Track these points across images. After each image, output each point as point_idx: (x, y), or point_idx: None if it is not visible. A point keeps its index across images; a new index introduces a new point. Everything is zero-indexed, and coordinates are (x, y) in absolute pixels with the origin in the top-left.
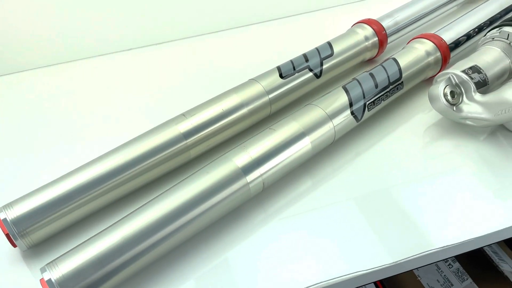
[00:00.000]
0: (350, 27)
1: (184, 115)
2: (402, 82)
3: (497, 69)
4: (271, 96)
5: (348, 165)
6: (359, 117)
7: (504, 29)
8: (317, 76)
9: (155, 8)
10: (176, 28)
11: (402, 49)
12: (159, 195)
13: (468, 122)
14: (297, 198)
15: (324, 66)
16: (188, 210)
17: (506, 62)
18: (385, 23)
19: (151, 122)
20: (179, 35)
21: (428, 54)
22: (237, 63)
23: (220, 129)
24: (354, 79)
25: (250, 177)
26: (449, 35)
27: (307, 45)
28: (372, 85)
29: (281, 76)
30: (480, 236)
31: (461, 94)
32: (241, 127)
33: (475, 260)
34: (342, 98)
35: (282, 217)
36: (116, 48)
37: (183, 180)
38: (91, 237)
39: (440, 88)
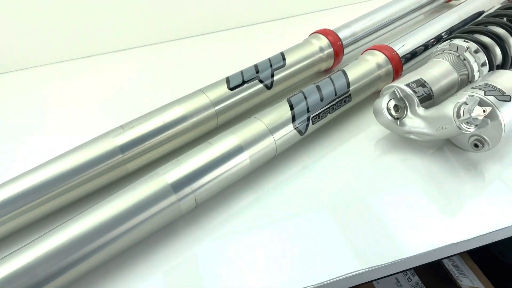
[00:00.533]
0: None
1: (122, 127)
2: (350, 95)
3: (444, 82)
4: (217, 108)
5: (294, 178)
6: (303, 131)
7: (454, 42)
8: (268, 87)
9: (101, 17)
10: (126, 37)
11: (355, 60)
12: (81, 212)
13: (412, 136)
14: (239, 213)
15: (276, 77)
16: (111, 229)
17: (454, 76)
18: (342, 34)
19: (94, 133)
20: (130, 44)
21: (379, 66)
22: (191, 73)
23: (161, 142)
24: (300, 91)
25: (180, 193)
26: (402, 47)
27: (267, 55)
28: (318, 98)
29: (229, 87)
30: (426, 252)
31: (405, 108)
32: (184, 140)
33: (435, 274)
34: (285, 111)
35: (221, 234)
36: (64, 57)
37: (108, 197)
38: (3, 257)
39: (383, 102)
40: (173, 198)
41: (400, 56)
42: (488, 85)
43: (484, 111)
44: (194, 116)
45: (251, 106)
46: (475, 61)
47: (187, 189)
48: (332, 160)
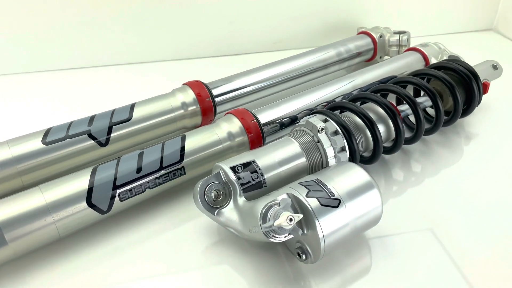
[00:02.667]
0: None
1: None
2: (183, 167)
3: (285, 168)
4: (21, 165)
5: (100, 262)
6: (105, 209)
7: (311, 119)
8: (102, 144)
9: None
10: None
11: (210, 124)
12: None
13: (233, 231)
14: None
15: (114, 134)
16: None
17: (301, 161)
18: (218, 89)
19: None
20: None
21: (230, 135)
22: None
23: None
24: (116, 158)
25: None
26: (268, 115)
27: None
28: (133, 168)
29: (45, 141)
30: None
31: (230, 195)
32: None
33: None
34: (81, 183)
35: None
36: None
37: None
38: None
39: (200, 185)
40: None
41: (263, 125)
42: (318, 182)
43: (290, 220)
44: None
45: (76, 165)
46: (331, 145)
47: None
48: (153, 246)
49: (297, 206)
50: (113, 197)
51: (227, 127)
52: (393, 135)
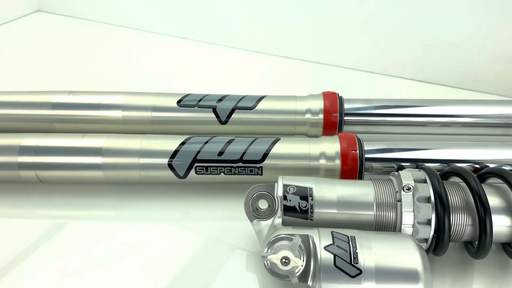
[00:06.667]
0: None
1: (70, 92)
2: (261, 167)
3: (342, 212)
4: (155, 114)
5: (166, 220)
6: (181, 174)
7: (404, 172)
8: (222, 122)
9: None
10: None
11: (314, 138)
12: None
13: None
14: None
15: (235, 116)
16: None
17: (367, 213)
18: (351, 108)
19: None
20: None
21: (322, 156)
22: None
23: (91, 120)
24: (211, 136)
25: (23, 162)
26: (386, 152)
27: None
28: (217, 150)
29: (179, 103)
30: None
31: (276, 210)
32: (113, 129)
33: None
34: (171, 145)
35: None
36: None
37: None
38: None
39: (251, 191)
40: (13, 159)
41: (367, 159)
42: (350, 240)
43: (285, 261)
44: (128, 111)
45: (195, 132)
46: (413, 211)
47: (29, 160)
48: (211, 227)
49: (312, 253)
50: (190, 168)
51: (324, 147)
52: None
